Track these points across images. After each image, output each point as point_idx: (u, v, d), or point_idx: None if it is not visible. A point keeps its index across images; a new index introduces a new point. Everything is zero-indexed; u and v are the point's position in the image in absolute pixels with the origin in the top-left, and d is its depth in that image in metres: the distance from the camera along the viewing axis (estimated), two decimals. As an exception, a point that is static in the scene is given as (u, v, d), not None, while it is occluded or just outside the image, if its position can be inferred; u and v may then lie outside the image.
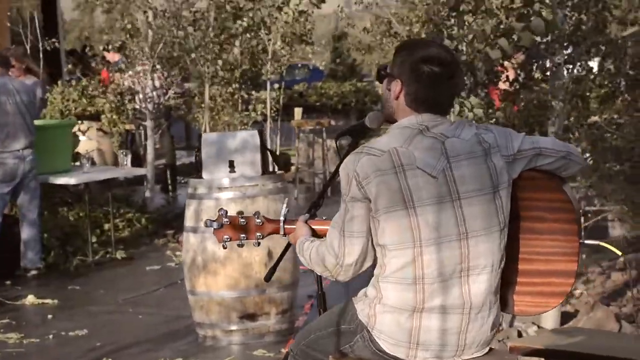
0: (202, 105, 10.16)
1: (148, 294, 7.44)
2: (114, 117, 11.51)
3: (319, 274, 3.10)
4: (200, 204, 6.00)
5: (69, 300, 7.38)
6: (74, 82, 12.40)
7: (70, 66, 13.78)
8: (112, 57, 13.05)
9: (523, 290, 3.05)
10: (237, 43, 9.10)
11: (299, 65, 24.39)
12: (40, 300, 7.30)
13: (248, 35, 9.09)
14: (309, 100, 20.87)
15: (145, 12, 10.35)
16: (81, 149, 11.56)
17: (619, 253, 3.31)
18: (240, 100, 9.88)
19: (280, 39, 9.00)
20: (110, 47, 12.38)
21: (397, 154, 2.89)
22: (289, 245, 3.31)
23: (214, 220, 3.31)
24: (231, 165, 6.09)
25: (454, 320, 2.91)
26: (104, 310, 7.06)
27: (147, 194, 10.86)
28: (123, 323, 6.69)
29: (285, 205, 3.34)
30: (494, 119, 5.89)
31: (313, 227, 3.21)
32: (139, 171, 10.13)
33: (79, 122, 11.70)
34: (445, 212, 2.88)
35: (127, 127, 11.90)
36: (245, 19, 8.66)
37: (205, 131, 9.92)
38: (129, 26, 10.41)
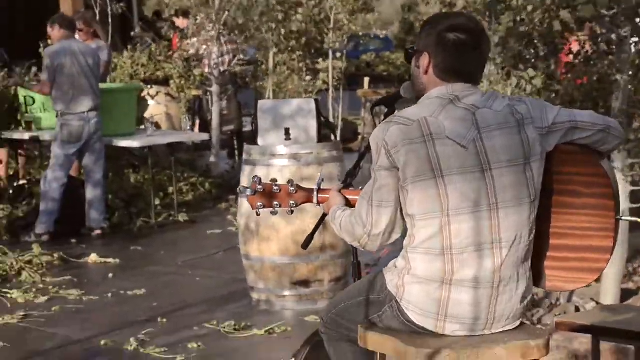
0: (267, 72, 10.22)
1: (207, 257, 7.57)
2: (182, 82, 11.65)
3: (349, 243, 3.14)
4: (254, 170, 6.06)
5: (130, 260, 7.54)
6: (139, 47, 12.55)
7: (137, 30, 13.92)
8: (182, 23, 13.18)
9: (557, 266, 3.04)
10: (300, 11, 9.13)
11: (372, 35, 24.30)
12: (103, 259, 7.48)
13: (312, 2, 9.11)
14: (377, 70, 20.78)
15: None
16: (149, 113, 11.76)
17: None
18: (305, 69, 9.91)
19: (343, 7, 8.99)
20: (179, 13, 12.49)
21: (426, 124, 2.89)
22: (324, 215, 3.32)
23: (247, 187, 3.35)
24: (287, 132, 6.15)
25: (484, 293, 2.92)
26: (163, 271, 7.21)
27: (212, 159, 10.99)
28: (181, 284, 6.83)
29: (320, 175, 3.37)
30: (554, 92, 5.84)
31: (347, 196, 3.22)
32: (202, 136, 10.26)
33: (148, 86, 11.89)
34: (474, 182, 2.88)
35: (195, 92, 12.04)
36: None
37: (268, 98, 10.00)
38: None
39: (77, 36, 9.45)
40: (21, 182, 9.49)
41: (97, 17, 11.42)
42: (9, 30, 14.18)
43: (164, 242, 8.17)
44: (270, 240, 6.04)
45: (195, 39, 11.02)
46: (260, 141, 6.19)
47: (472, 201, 2.88)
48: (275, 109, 6.25)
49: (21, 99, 9.21)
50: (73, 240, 8.13)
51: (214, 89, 10.68)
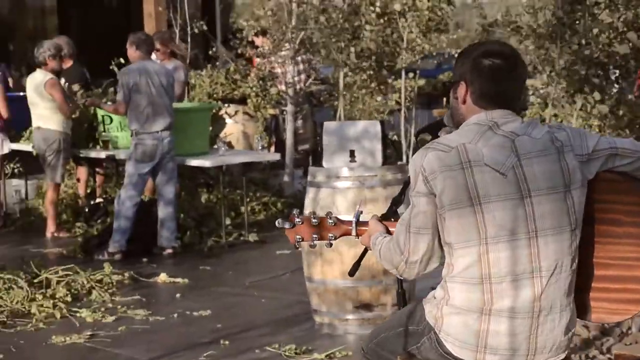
0: (338, 92, 10.22)
1: (274, 278, 7.57)
2: (259, 101, 11.72)
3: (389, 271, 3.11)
4: (318, 192, 6.05)
5: (198, 280, 7.59)
6: (219, 66, 12.68)
7: (215, 49, 14.05)
8: (261, 42, 13.28)
9: (600, 297, 2.98)
10: (368, 28, 9.11)
11: (446, 54, 24.10)
12: (172, 279, 7.54)
13: (381, 21, 9.08)
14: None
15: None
16: (226, 132, 11.87)
17: None
18: (377, 88, 9.88)
19: (416, 27, 8.93)
20: (257, 31, 12.57)
21: (464, 150, 2.86)
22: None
23: (286, 221, 3.34)
24: (352, 154, 6.12)
25: (524, 323, 2.87)
26: (230, 292, 7.24)
27: (286, 178, 11.02)
28: (246, 306, 6.85)
29: (358, 207, 3.35)
30: (622, 115, 5.70)
31: (388, 227, 3.19)
32: (273, 156, 10.30)
33: (226, 105, 12.00)
34: (513, 210, 2.84)
35: (271, 111, 12.10)
36: (378, 5, 8.66)
37: (340, 118, 9.99)
38: (272, 10, 10.53)
39: (154, 56, 9.62)
40: (97, 200, 9.66)
41: (177, 37, 11.62)
42: (90, 49, 14.49)
43: (233, 262, 8.21)
44: (333, 263, 6.01)
45: (272, 58, 11.09)
46: (325, 163, 6.17)
47: (511, 229, 2.84)
48: (341, 131, 6.23)
49: (99, 118, 9.39)
50: (144, 259, 8.22)
51: (289, 108, 10.72)
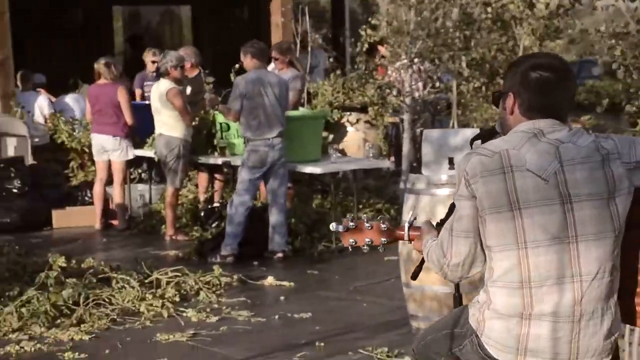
0: (452, 101, 10.21)
1: (378, 283, 7.64)
2: (379, 109, 11.81)
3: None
4: (418, 199, 6.09)
5: (305, 284, 7.73)
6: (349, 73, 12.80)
7: (330, 60, 14.18)
8: (384, 50, 13.35)
9: None
10: (479, 36, 9.07)
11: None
12: (278, 282, 7.70)
13: (495, 27, 9.04)
14: (577, 98, 20.08)
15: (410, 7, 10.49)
16: (348, 139, 12.03)
17: None
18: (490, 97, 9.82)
19: (533, 34, 8.86)
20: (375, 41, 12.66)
21: (507, 156, 2.91)
22: None
23: (340, 224, 3.42)
24: (450, 162, 6.15)
25: (565, 327, 2.88)
26: (333, 296, 7.35)
27: (402, 185, 11.06)
28: (347, 309, 6.94)
29: (411, 212, 3.41)
30: None
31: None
32: (383, 163, 10.39)
33: (347, 113, 12.15)
34: (554, 215, 2.86)
35: (391, 120, 12.16)
36: (490, 11, 8.61)
37: (453, 126, 9.99)
38: (393, 22, 10.61)
39: (273, 64, 9.85)
40: (214, 204, 9.93)
41: (298, 47, 11.84)
42: (214, 58, 14.91)
43: (341, 267, 8.32)
44: (430, 269, 6.01)
45: (391, 67, 11.15)
46: (424, 170, 6.22)
47: (551, 234, 2.86)
48: (441, 139, 6.28)
49: (217, 126, 9.68)
50: (255, 263, 8.41)
51: (406, 116, 10.77)
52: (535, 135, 2.94)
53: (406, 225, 3.37)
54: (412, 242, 3.35)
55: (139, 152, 10.25)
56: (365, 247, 3.45)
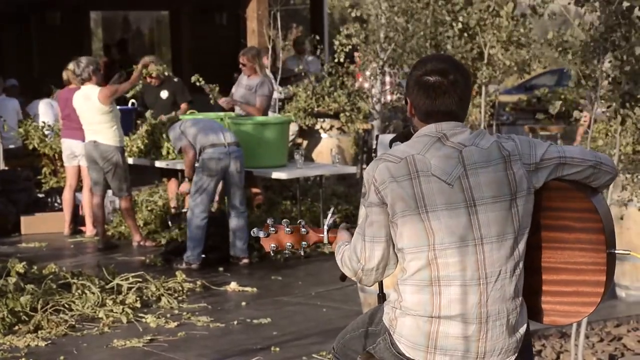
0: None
1: (340, 289, 7.66)
2: (351, 116, 11.83)
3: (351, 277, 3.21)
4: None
5: (267, 289, 7.75)
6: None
7: (300, 67, 14.21)
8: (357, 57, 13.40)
9: (553, 300, 3.05)
10: (448, 47, 9.08)
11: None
12: (241, 288, 7.71)
13: (463, 37, 9.05)
14: (546, 106, 20.10)
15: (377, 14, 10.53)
16: (322, 146, 12.05)
17: None
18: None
19: (497, 43, 8.87)
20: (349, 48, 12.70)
21: (413, 161, 2.96)
22: None
23: (260, 229, 3.47)
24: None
25: (472, 327, 2.93)
26: (293, 301, 7.38)
27: (371, 191, 11.08)
28: (305, 315, 6.97)
29: (330, 214, 3.45)
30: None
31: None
32: (348, 169, 10.42)
33: (321, 120, 12.18)
34: (459, 218, 2.92)
35: (364, 126, 12.19)
36: (460, 21, 8.60)
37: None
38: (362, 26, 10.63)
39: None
40: (184, 210, 9.93)
41: (269, 52, 11.89)
42: (194, 64, 14.93)
43: (306, 272, 8.34)
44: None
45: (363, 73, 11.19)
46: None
47: (458, 236, 2.92)
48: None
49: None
50: (220, 269, 8.42)
51: (376, 123, 10.82)
52: (439, 139, 2.99)
53: (325, 228, 3.42)
54: (332, 244, 3.39)
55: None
56: (286, 252, 3.49)
